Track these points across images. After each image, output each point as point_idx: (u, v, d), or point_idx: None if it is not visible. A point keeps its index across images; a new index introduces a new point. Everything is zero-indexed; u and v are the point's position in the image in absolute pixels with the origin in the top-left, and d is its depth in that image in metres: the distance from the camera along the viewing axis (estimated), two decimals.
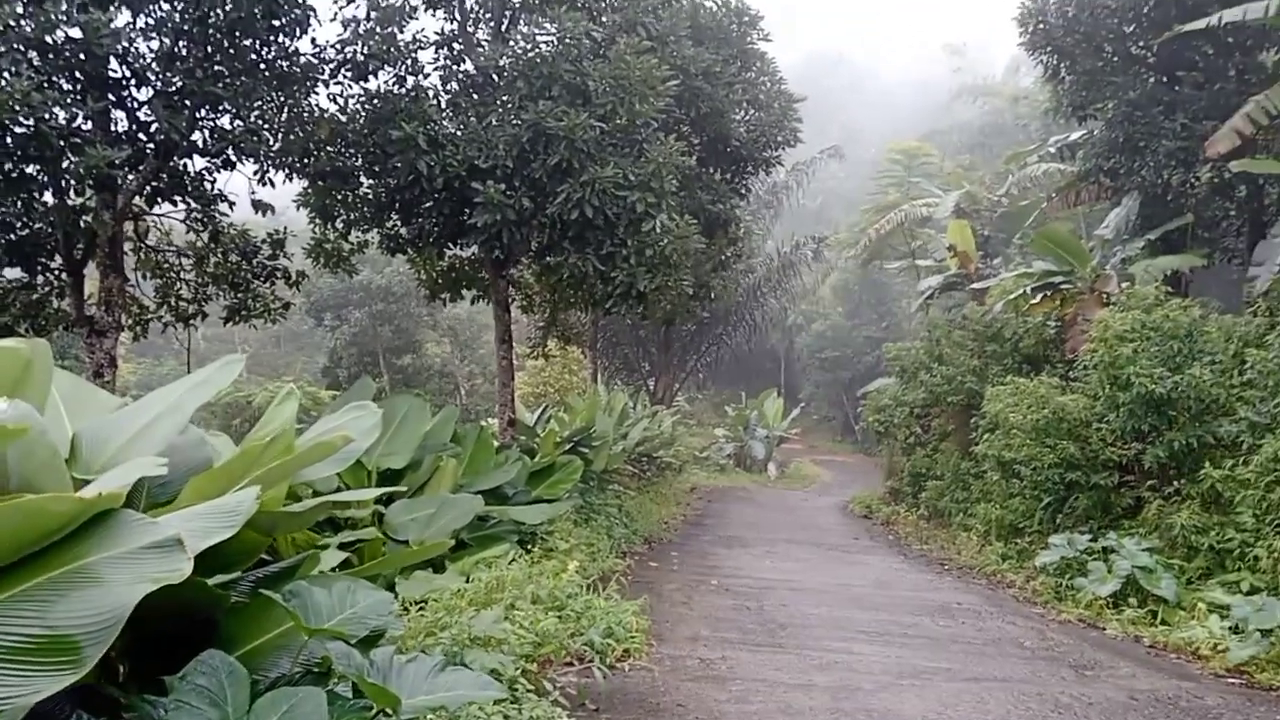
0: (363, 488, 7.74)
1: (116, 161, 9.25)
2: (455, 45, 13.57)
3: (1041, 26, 16.77)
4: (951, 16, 73.04)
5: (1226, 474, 9.74)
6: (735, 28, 14.72)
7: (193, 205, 11.98)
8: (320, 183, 13.13)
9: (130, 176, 10.56)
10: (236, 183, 12.30)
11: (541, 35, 12.01)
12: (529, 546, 9.35)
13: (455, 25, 13.61)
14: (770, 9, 16.66)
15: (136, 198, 11.23)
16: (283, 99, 11.57)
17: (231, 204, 12.06)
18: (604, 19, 12.94)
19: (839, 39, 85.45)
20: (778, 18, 18.18)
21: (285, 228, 13.39)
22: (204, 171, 11.62)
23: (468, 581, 7.08)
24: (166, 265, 13.16)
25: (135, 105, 10.41)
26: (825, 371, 45.67)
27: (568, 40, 11.43)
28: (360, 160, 12.98)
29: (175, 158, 11.06)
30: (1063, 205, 19.62)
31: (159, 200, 11.74)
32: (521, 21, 13.04)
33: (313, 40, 11.53)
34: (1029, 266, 17.82)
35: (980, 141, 42.83)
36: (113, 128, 10.46)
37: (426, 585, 6.79)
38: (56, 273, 11.59)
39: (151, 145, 10.62)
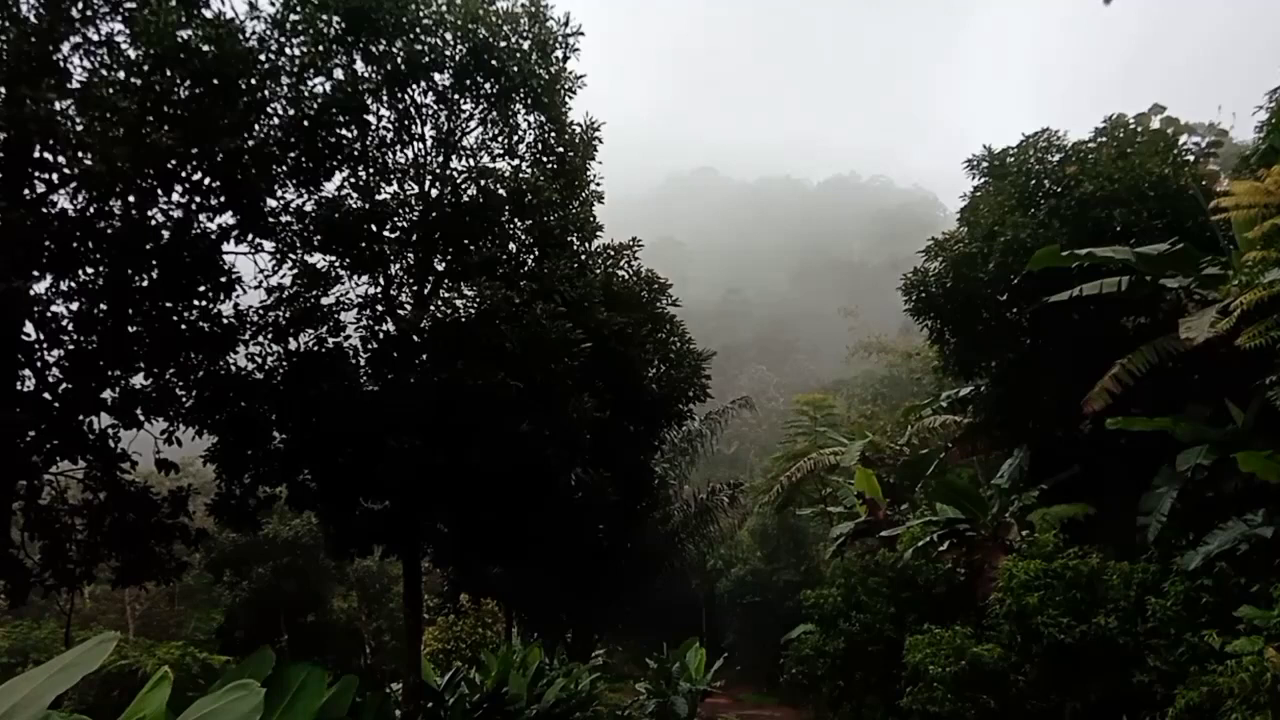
0: None
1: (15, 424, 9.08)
2: (378, 307, 14.08)
3: (924, 295, 18.25)
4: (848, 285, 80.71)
5: None
6: (645, 294, 15.74)
7: (92, 463, 11.64)
8: (231, 438, 12.98)
9: (30, 434, 10.31)
10: (141, 439, 12.05)
11: (461, 300, 12.62)
12: None
13: (379, 289, 14.20)
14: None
15: (34, 455, 10.89)
16: (200, 358, 11.67)
17: (134, 463, 11.76)
18: (521, 284, 13.70)
19: (751, 295, 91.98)
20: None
21: (190, 485, 13.04)
22: (108, 430, 11.40)
23: None
24: (58, 526, 12.52)
25: (44, 366, 10.36)
26: (747, 618, 44.62)
27: (485, 307, 12.02)
28: (275, 415, 12.97)
29: (80, 415, 10.89)
30: (961, 454, 20.53)
31: (57, 459, 11.38)
32: (444, 288, 13.69)
33: (235, 305, 11.87)
34: (935, 513, 18.31)
35: (881, 392, 45.13)
36: (18, 386, 10.33)
37: None
38: None
39: (57, 404, 10.47)
